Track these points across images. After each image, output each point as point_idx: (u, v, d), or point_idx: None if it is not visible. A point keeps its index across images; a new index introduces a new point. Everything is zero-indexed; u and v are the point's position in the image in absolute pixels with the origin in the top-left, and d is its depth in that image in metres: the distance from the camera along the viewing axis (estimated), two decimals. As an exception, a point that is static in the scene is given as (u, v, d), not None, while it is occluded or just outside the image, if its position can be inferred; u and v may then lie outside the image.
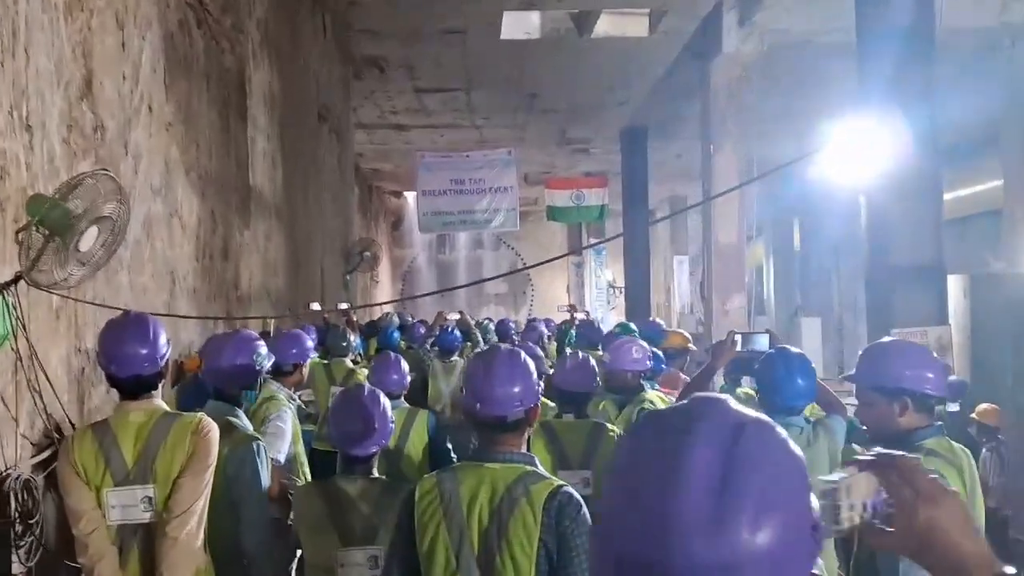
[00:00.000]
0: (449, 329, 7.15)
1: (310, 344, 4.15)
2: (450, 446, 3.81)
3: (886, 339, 2.89)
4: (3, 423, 2.82)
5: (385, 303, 16.48)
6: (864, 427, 2.64)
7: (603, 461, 3.28)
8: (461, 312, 7.93)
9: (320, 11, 9.37)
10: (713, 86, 10.05)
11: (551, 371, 4.97)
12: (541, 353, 4.15)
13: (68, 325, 3.39)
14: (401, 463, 3.67)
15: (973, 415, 5.82)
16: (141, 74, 4.23)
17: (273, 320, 6.08)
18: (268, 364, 3.15)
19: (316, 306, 7.61)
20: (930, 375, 2.44)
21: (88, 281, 3.44)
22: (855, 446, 4.07)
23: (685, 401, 0.88)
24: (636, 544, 0.77)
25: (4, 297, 2.73)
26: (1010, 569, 0.90)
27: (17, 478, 2.75)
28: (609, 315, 22.13)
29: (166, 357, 2.63)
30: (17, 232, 2.81)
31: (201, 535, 2.51)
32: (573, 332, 7.90)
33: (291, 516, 2.80)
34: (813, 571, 0.83)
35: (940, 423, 2.48)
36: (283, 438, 3.48)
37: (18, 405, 2.95)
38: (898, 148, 5.54)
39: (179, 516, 2.46)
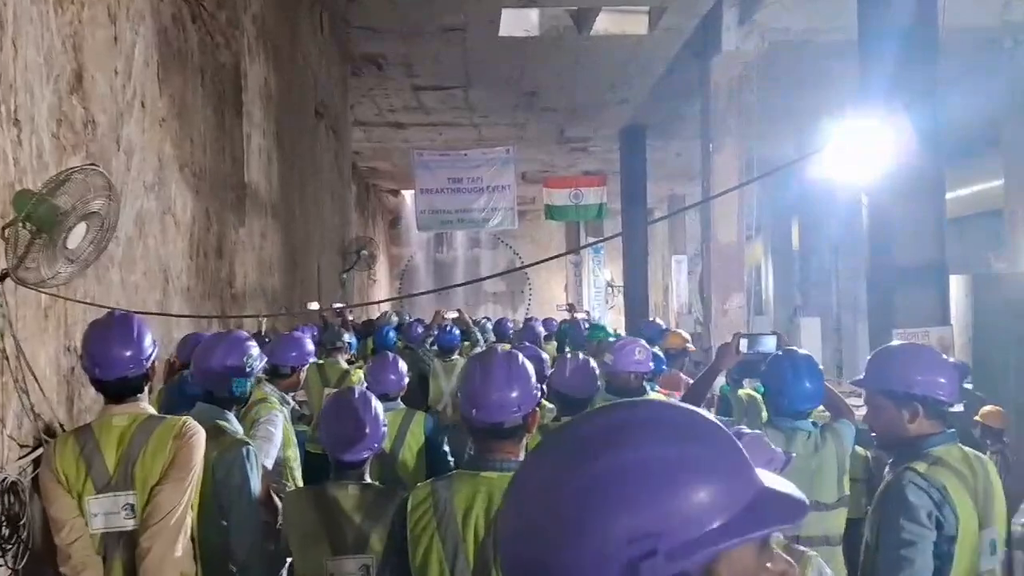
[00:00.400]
0: (448, 328, 7.08)
1: (311, 348, 4.07)
2: (448, 449, 3.73)
3: (896, 342, 2.82)
4: (-12, 424, 2.76)
5: (382, 301, 16.41)
6: (872, 433, 2.55)
7: None
8: (459, 311, 7.86)
9: (318, 7, 9.31)
10: (713, 85, 9.99)
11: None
12: (544, 356, 4.07)
13: (57, 324, 3.32)
14: (397, 466, 3.59)
15: (977, 417, 5.76)
16: (134, 68, 4.16)
17: (264, 320, 6.00)
18: (259, 366, 3.08)
19: (314, 305, 7.54)
20: (942, 380, 2.35)
21: (78, 279, 3.37)
22: (858, 448, 4.02)
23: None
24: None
25: (-11, 295, 2.66)
26: None
27: (3, 480, 2.69)
28: (607, 314, 22.09)
29: (152, 358, 2.55)
30: (3, 228, 2.74)
31: (186, 542, 2.43)
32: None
33: (280, 522, 2.73)
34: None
35: (952, 430, 2.39)
36: (272, 442, 3.40)
37: (4, 406, 2.89)
38: (900, 147, 5.49)
39: (155, 525, 2.39)
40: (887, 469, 2.39)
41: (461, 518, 2.01)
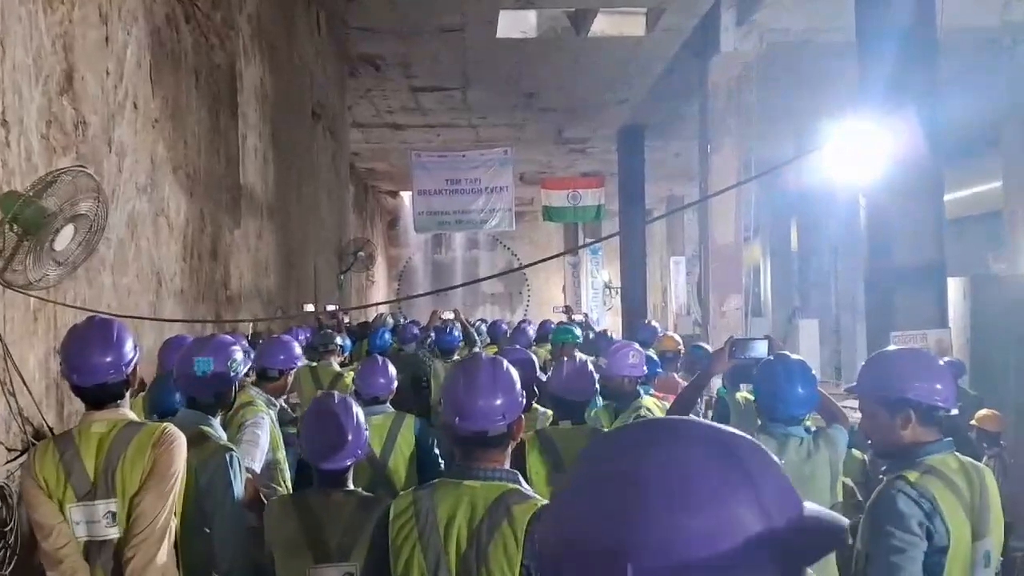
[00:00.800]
0: (449, 329, 7.05)
1: (299, 352, 4.03)
2: (438, 452, 3.68)
3: (891, 347, 2.78)
4: (-25, 428, 2.73)
5: (380, 304, 16.37)
6: (868, 440, 2.51)
7: None
8: (456, 311, 7.83)
9: (315, 7, 9.28)
10: (711, 85, 9.96)
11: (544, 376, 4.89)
12: (535, 358, 4.02)
13: (47, 327, 3.29)
14: (387, 470, 3.55)
15: (973, 422, 5.73)
16: (126, 69, 4.13)
17: (253, 323, 5.96)
18: (244, 371, 3.04)
19: (309, 307, 7.51)
20: (937, 386, 2.30)
21: (69, 281, 3.34)
22: (855, 452, 3.99)
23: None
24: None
25: (-25, 298, 2.63)
26: None
27: (-10, 485, 2.66)
28: (605, 316, 22.06)
29: (132, 364, 2.50)
30: (-11, 231, 2.71)
31: (169, 550, 2.39)
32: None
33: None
34: None
35: (949, 439, 2.35)
36: (258, 446, 3.36)
37: (-9, 410, 2.86)
38: (899, 148, 5.46)
39: (139, 534, 2.34)
40: (882, 476, 2.36)
41: (443, 528, 1.96)
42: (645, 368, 4.01)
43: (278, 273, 7.48)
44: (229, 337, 3.13)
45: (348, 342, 6.83)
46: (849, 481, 3.58)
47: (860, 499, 3.34)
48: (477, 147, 15.17)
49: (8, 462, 2.91)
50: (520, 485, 2.02)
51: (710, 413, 4.87)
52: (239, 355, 2.90)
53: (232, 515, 2.60)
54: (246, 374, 3.32)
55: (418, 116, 14.17)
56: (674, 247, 23.00)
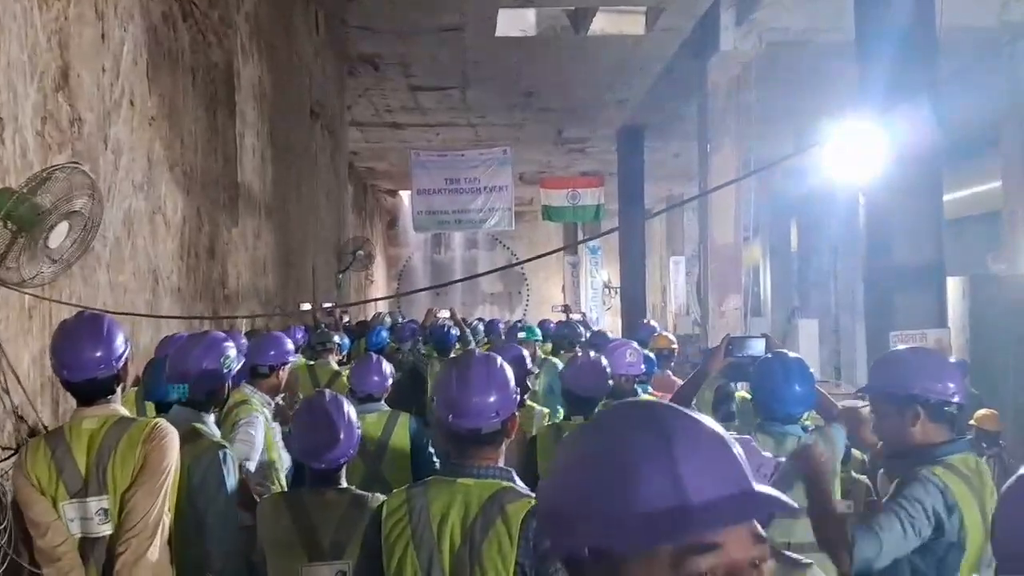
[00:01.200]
0: (446, 328, 7.04)
1: (290, 347, 4.00)
2: (432, 450, 3.66)
3: (901, 346, 2.76)
4: (-32, 427, 2.72)
5: (378, 299, 16.35)
6: (880, 442, 2.49)
7: None
8: (452, 310, 7.82)
9: (313, 6, 9.26)
10: (711, 85, 9.95)
11: (536, 372, 4.87)
12: (525, 353, 3.99)
13: (42, 325, 3.27)
14: (382, 468, 3.53)
15: (972, 421, 5.71)
16: (122, 67, 4.12)
17: (251, 321, 5.94)
18: (237, 368, 3.02)
19: (306, 306, 7.50)
20: (945, 384, 2.28)
21: (64, 280, 3.33)
22: (855, 451, 3.97)
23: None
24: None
25: (-31, 296, 2.61)
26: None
27: (-16, 484, 2.64)
28: (604, 315, 22.04)
29: (123, 359, 2.48)
30: (-18, 228, 2.70)
31: (162, 546, 2.37)
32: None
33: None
34: None
35: (969, 437, 2.34)
36: (252, 445, 3.33)
37: (-15, 408, 2.85)
38: (898, 148, 5.45)
39: (130, 529, 2.32)
40: (893, 486, 2.33)
41: (436, 526, 1.94)
42: (643, 367, 4.00)
43: (276, 272, 7.46)
44: (222, 334, 3.11)
45: (346, 340, 6.81)
46: (865, 478, 3.55)
47: (875, 497, 3.32)
48: (476, 146, 15.15)
49: (2, 461, 2.89)
50: (514, 483, 2.00)
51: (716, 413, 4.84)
52: (232, 352, 2.89)
53: (225, 513, 2.58)
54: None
55: (417, 115, 14.15)
56: (673, 247, 22.99)
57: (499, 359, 2.10)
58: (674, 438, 0.81)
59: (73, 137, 3.54)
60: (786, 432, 2.98)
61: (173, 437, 2.43)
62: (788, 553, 1.87)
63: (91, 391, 2.43)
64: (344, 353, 6.55)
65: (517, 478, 2.03)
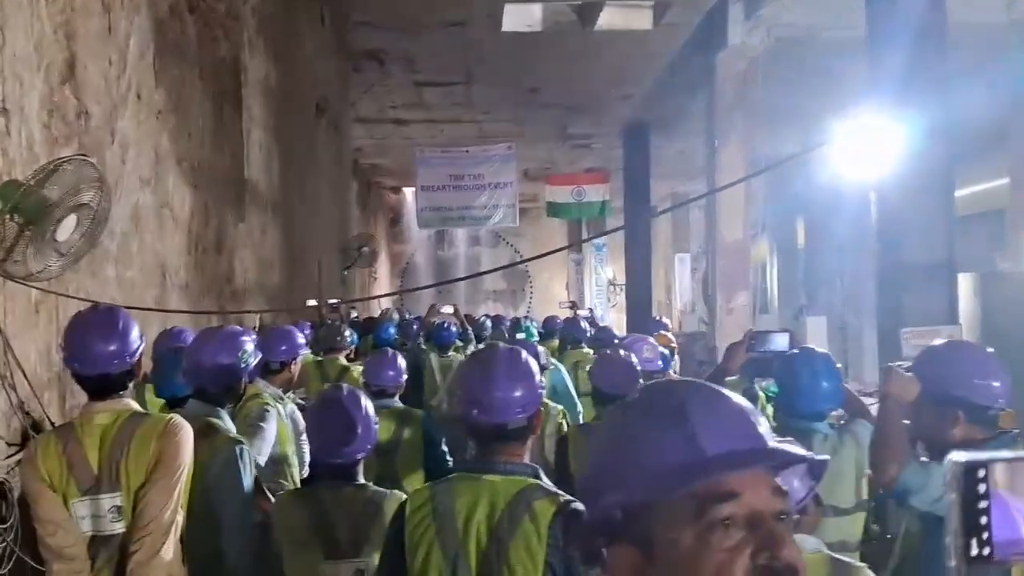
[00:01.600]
0: (446, 324, 7.00)
1: (302, 340, 3.96)
2: (446, 448, 3.62)
3: (939, 341, 2.67)
4: (-25, 422, 2.68)
5: (381, 296, 16.31)
6: (918, 440, 2.42)
7: None
8: (455, 306, 7.78)
9: (318, 1, 9.22)
10: (718, 80, 9.88)
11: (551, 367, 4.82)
12: (542, 350, 3.95)
13: (48, 319, 3.24)
14: (395, 465, 3.48)
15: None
16: (129, 59, 4.07)
17: (259, 317, 5.91)
18: (254, 362, 2.97)
19: (312, 302, 7.46)
20: (990, 384, 2.22)
21: (72, 274, 3.29)
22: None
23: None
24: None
25: (-25, 289, 2.57)
26: None
27: (-10, 481, 2.61)
28: (609, 313, 21.98)
29: (137, 354, 2.42)
30: (-11, 221, 2.65)
31: (175, 545, 2.32)
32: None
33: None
34: None
35: (1014, 432, 2.26)
36: (264, 439, 3.29)
37: (-8, 403, 2.81)
38: (910, 144, 5.39)
39: (143, 527, 2.27)
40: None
41: (462, 524, 1.89)
42: (660, 363, 3.94)
43: (282, 268, 7.42)
44: (239, 328, 3.07)
45: (355, 336, 6.78)
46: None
47: None
48: (480, 143, 15.09)
49: (7, 458, 2.85)
50: (541, 480, 1.95)
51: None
52: (249, 346, 2.84)
53: (241, 509, 2.53)
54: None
55: (421, 111, 14.11)
56: (679, 244, 22.92)
57: (524, 352, 2.05)
58: (688, 401, 0.90)
59: (80, 130, 3.50)
60: (812, 429, 2.91)
61: (187, 433, 2.37)
62: (839, 556, 1.84)
63: (103, 386, 2.37)
64: (351, 348, 6.50)
65: (543, 475, 1.98)
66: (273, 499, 2.71)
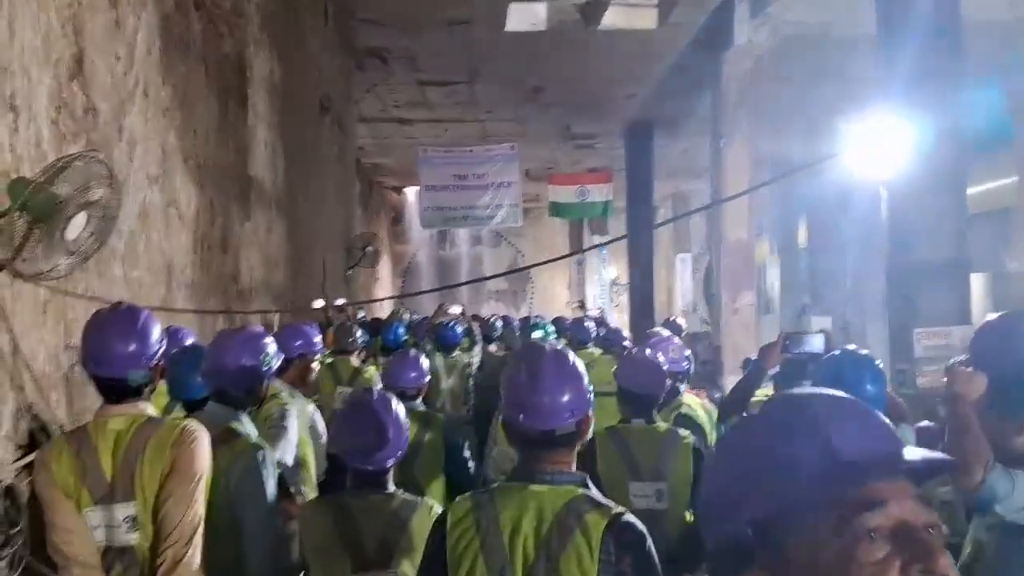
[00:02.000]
0: (450, 325, 6.94)
1: (317, 339, 3.89)
2: (468, 454, 3.52)
3: (993, 315, 2.54)
4: (-17, 425, 2.62)
5: (384, 299, 16.25)
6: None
7: (677, 473, 2.99)
8: (463, 307, 7.72)
9: (322, -1, 9.17)
10: (724, 79, 9.83)
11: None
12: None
13: (56, 319, 3.17)
14: (415, 471, 3.39)
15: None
16: (136, 55, 4.01)
17: (263, 316, 5.84)
18: (276, 364, 2.88)
19: (319, 303, 7.40)
20: None
21: (79, 274, 3.23)
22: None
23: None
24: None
25: (-16, 289, 2.51)
26: None
27: (-1, 484, 2.55)
28: (612, 312, 21.92)
29: (157, 357, 2.32)
30: (-2, 218, 2.59)
31: (197, 556, 2.24)
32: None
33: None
34: None
35: None
36: (288, 439, 3.20)
37: (0, 405, 2.75)
38: (922, 143, 5.34)
39: (166, 540, 2.17)
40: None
41: (508, 537, 1.79)
42: (685, 364, 3.85)
43: (287, 267, 7.36)
44: (261, 329, 2.99)
45: (367, 337, 6.72)
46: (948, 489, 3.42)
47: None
48: (484, 142, 15.04)
49: (16, 461, 2.80)
50: (590, 489, 1.85)
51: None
52: (272, 348, 2.76)
53: (264, 516, 2.43)
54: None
55: (424, 111, 14.05)
56: (680, 245, 22.86)
57: (571, 353, 1.95)
58: (818, 409, 0.86)
59: (88, 127, 3.44)
60: None
61: (203, 439, 2.27)
62: None
63: (120, 389, 2.27)
64: (363, 349, 6.44)
65: (592, 485, 1.88)
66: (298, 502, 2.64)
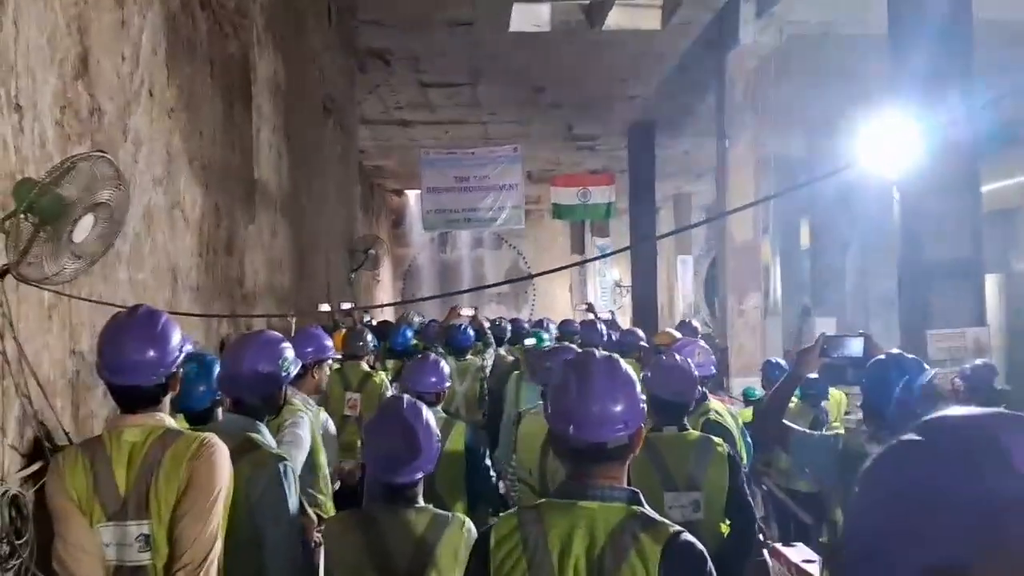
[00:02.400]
0: (462, 328, 6.85)
1: (329, 343, 3.80)
2: (489, 463, 3.43)
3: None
4: (-12, 433, 2.54)
5: (386, 305, 16.17)
6: None
7: (713, 482, 2.91)
8: (475, 309, 7.64)
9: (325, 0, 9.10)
10: (729, 79, 9.78)
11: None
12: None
13: (62, 324, 3.10)
14: (435, 480, 3.30)
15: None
16: (141, 55, 3.94)
17: (293, 320, 5.76)
18: (295, 371, 2.80)
19: (325, 307, 7.32)
20: None
21: (84, 277, 3.15)
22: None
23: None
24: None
25: (-11, 293, 2.43)
26: None
27: (4, 494, 2.47)
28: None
29: (176, 364, 2.22)
30: (3, 220, 2.51)
31: (215, 573, 2.14)
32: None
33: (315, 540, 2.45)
34: None
35: None
36: (300, 447, 3.12)
37: (4, 412, 2.67)
38: (934, 143, 5.28)
39: (179, 559, 2.08)
40: None
41: (557, 559, 1.69)
42: (713, 368, 3.77)
43: (292, 271, 7.29)
44: (278, 333, 2.90)
45: (376, 341, 6.64)
46: None
47: None
48: (486, 144, 14.98)
49: (21, 470, 2.72)
50: (643, 506, 1.75)
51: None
52: (290, 353, 2.67)
53: (286, 530, 2.33)
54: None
55: (426, 112, 13.99)
56: (681, 247, 22.80)
57: (622, 361, 1.87)
58: (1001, 431, 0.77)
59: (93, 128, 3.37)
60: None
61: (223, 454, 2.17)
62: None
63: (136, 397, 2.17)
64: (372, 354, 6.36)
65: (644, 500, 1.79)
66: (313, 515, 2.55)
